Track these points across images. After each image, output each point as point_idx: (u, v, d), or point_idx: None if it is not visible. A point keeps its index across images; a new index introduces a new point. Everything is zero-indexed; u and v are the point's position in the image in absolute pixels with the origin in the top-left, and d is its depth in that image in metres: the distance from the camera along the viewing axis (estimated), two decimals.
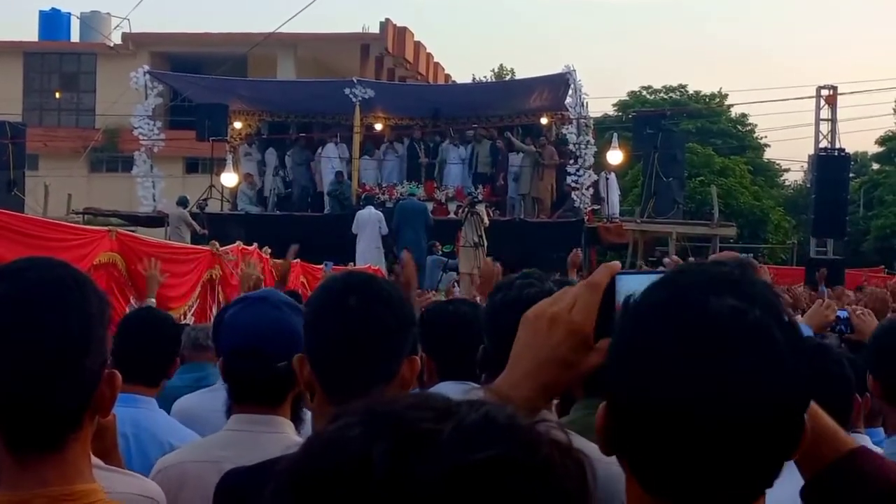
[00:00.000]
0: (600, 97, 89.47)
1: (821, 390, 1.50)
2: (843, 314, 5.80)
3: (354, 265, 18.43)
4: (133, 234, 10.12)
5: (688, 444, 1.31)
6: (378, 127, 28.09)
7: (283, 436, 2.83)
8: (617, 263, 1.67)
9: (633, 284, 1.52)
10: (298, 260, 16.55)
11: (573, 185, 25.03)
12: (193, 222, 22.79)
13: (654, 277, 1.44)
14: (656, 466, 1.35)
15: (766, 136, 52.98)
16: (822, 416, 1.72)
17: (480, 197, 24.15)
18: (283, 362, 2.53)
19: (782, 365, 1.32)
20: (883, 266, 33.68)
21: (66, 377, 1.75)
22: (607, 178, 26.55)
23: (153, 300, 7.34)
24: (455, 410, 1.01)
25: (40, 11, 46.32)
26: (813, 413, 1.40)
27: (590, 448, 2.70)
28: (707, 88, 57.20)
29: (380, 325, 2.34)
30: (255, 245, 12.84)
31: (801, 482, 1.70)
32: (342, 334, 2.33)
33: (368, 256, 20.98)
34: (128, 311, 6.92)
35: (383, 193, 26.09)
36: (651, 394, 1.32)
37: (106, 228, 8.94)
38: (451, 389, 3.28)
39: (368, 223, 22.26)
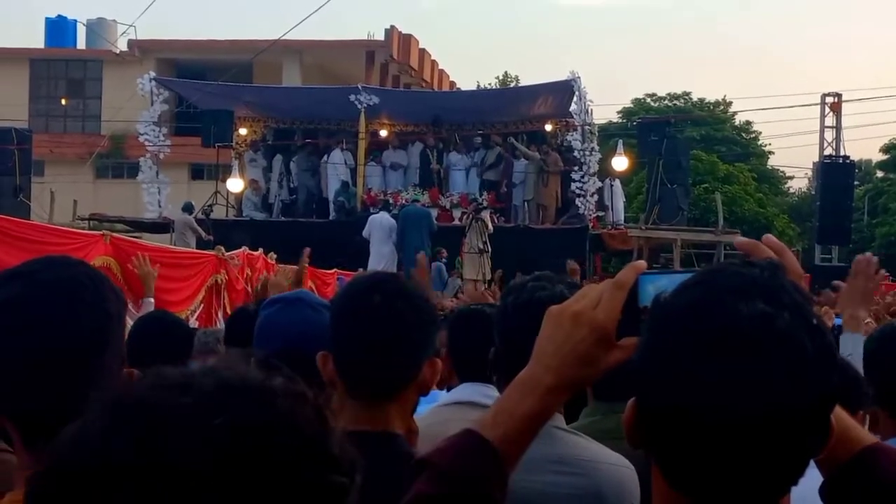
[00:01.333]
0: (605, 104, 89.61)
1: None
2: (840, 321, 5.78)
3: (365, 271, 18.38)
4: (127, 237, 10.13)
5: (714, 445, 1.33)
6: (383, 133, 28.08)
7: None
8: (643, 263, 1.68)
9: (660, 284, 1.54)
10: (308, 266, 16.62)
11: (578, 191, 25.01)
12: (199, 228, 22.81)
13: (681, 277, 1.45)
14: (682, 465, 1.38)
15: (770, 144, 53.00)
16: (840, 414, 1.73)
17: (485, 203, 24.16)
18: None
19: (810, 370, 1.33)
20: (888, 274, 33.61)
21: (84, 377, 1.77)
22: (612, 185, 26.55)
23: (151, 299, 7.33)
24: (191, 382, 1.05)
25: (46, 18, 46.46)
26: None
27: (602, 452, 2.73)
28: (711, 96, 57.13)
29: (402, 324, 2.37)
30: (261, 250, 12.87)
31: (820, 478, 1.71)
32: (365, 331, 2.36)
33: (381, 261, 20.93)
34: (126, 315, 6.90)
35: (388, 199, 26.08)
36: (679, 395, 1.34)
37: (100, 232, 8.94)
38: (470, 391, 3.29)
39: (381, 228, 22.22)
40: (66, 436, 1.03)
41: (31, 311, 1.77)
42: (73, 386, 1.76)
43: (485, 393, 3.22)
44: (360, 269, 18.47)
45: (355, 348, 2.38)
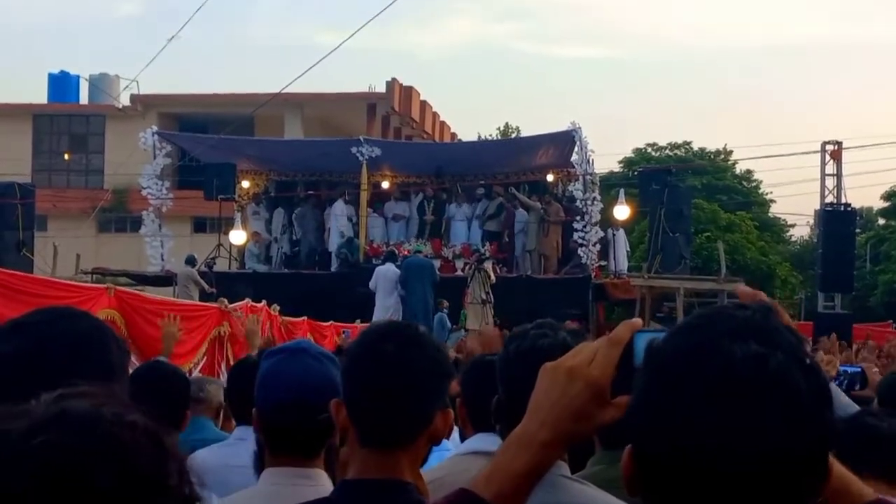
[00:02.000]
0: (606, 154, 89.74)
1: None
2: (853, 369, 5.75)
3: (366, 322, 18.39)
4: (131, 290, 10.13)
5: (711, 491, 1.32)
6: (385, 185, 28.16)
7: (323, 488, 2.83)
8: (638, 321, 1.68)
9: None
10: (306, 318, 16.65)
11: (580, 241, 25.04)
12: (202, 281, 22.82)
13: None
14: None
15: (771, 192, 53.11)
16: (841, 468, 1.70)
17: (487, 254, 24.18)
18: (325, 414, 2.55)
19: (805, 411, 1.33)
20: (891, 321, 33.57)
21: None
22: (614, 234, 26.57)
23: (165, 358, 7.29)
24: (31, 409, 1.13)
25: (49, 74, 46.77)
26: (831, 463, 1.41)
27: (607, 500, 2.71)
28: (712, 145, 57.32)
29: (415, 373, 2.37)
30: (264, 302, 12.87)
31: None
32: (377, 379, 2.36)
33: (386, 313, 20.92)
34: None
35: (393, 249, 26.09)
36: (676, 441, 1.33)
37: (104, 286, 8.94)
38: (488, 441, 3.28)
39: (387, 280, 22.23)
40: None
41: (33, 364, 1.76)
42: None
43: (495, 442, 3.20)
44: (358, 321, 18.48)
45: (367, 396, 2.38)
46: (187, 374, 8.64)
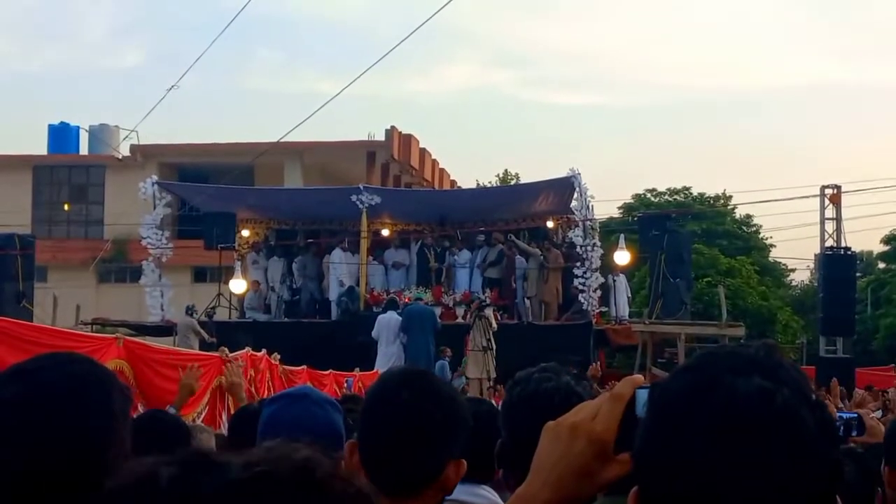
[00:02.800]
0: (605, 200, 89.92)
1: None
2: (849, 415, 5.71)
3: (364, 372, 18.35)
4: (139, 341, 10.10)
5: None
6: (385, 233, 28.20)
7: None
8: (640, 377, 1.67)
9: None
10: (306, 367, 16.59)
11: (580, 287, 25.04)
12: (202, 330, 22.81)
13: None
14: None
15: (771, 237, 53.15)
16: None
17: (488, 301, 24.17)
18: None
19: (812, 448, 1.31)
20: (893, 365, 33.50)
21: (86, 474, 1.75)
22: (615, 280, 26.57)
23: (175, 409, 7.19)
24: (254, 453, 1.14)
25: (49, 125, 46.93)
26: None
27: None
28: (711, 190, 57.40)
29: (428, 422, 2.36)
30: (264, 351, 12.83)
31: None
32: (391, 426, 2.36)
33: (388, 361, 20.85)
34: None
35: (395, 297, 26.07)
36: (682, 481, 1.31)
37: (113, 336, 8.90)
38: (466, 491, 3.25)
39: (389, 328, 22.19)
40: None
41: (33, 411, 1.75)
42: (76, 485, 1.74)
43: (474, 492, 3.19)
44: (358, 369, 18.41)
45: (380, 442, 2.38)
46: (211, 429, 8.61)
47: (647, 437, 1.39)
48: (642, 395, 1.57)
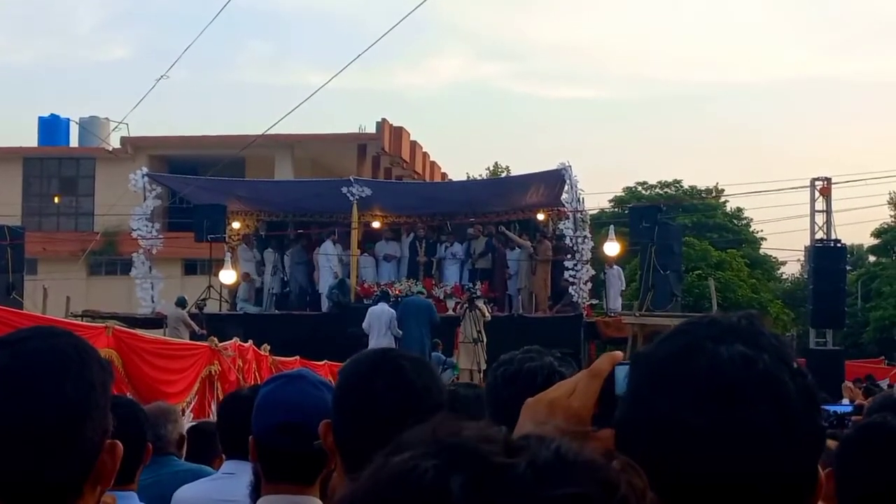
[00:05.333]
0: (596, 193, 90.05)
1: None
2: (844, 408, 5.64)
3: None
4: (128, 330, 10.10)
5: (702, 495, 1.30)
6: (376, 225, 28.19)
7: None
8: (619, 353, 1.65)
9: None
10: (298, 357, 16.60)
11: (571, 279, 25.06)
12: (192, 322, 22.78)
13: None
14: None
15: (762, 230, 53.32)
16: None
17: (479, 293, 24.17)
18: (320, 441, 2.53)
19: (794, 411, 1.32)
20: (883, 357, 33.64)
21: (65, 447, 1.74)
22: (605, 273, 26.60)
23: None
24: (524, 445, 1.00)
25: (39, 117, 46.78)
26: None
27: None
28: (702, 183, 57.53)
29: (400, 412, 2.35)
30: (251, 342, 12.86)
31: None
32: (363, 415, 2.36)
33: None
34: None
35: (386, 289, 26.06)
36: (664, 445, 1.32)
37: (103, 325, 8.90)
38: None
39: (380, 320, 22.16)
40: (390, 469, 1.00)
41: (13, 381, 1.75)
42: (52, 456, 1.73)
43: None
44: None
45: (352, 428, 2.37)
46: (180, 413, 8.64)
47: (630, 402, 1.40)
48: (621, 372, 1.56)
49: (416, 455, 0.99)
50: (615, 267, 27.08)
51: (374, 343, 21.74)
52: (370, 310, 22.67)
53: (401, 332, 21.99)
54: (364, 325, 22.13)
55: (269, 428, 2.93)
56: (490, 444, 0.99)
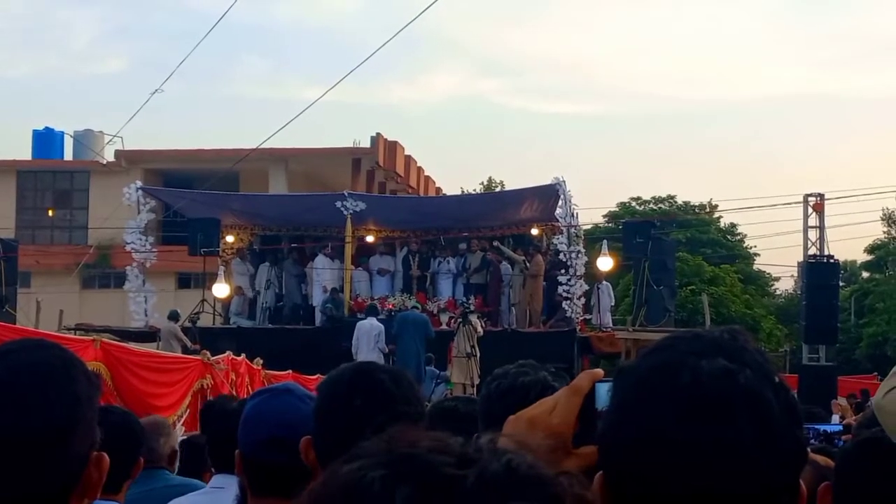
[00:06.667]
0: (590, 208, 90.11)
1: None
2: (833, 428, 5.63)
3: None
4: (117, 343, 10.08)
5: None
6: (370, 239, 28.18)
7: None
8: (600, 371, 1.66)
9: None
10: (291, 371, 16.59)
11: (565, 294, 25.05)
12: (184, 337, 22.72)
13: None
14: None
15: (755, 246, 53.39)
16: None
17: (472, 307, 24.17)
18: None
19: (776, 425, 1.32)
20: (876, 373, 33.62)
21: (51, 459, 1.74)
22: (598, 287, 26.60)
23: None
24: (476, 457, 0.99)
25: (34, 131, 46.70)
26: None
27: None
28: (696, 198, 57.64)
29: (382, 425, 2.35)
30: (243, 356, 12.84)
31: None
32: (342, 432, 2.35)
33: None
34: None
35: (376, 303, 26.04)
36: (647, 458, 1.32)
37: (90, 338, 8.88)
38: None
39: (368, 334, 22.13)
40: (341, 477, 1.00)
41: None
42: (38, 468, 1.73)
43: None
44: None
45: (332, 444, 2.36)
46: (171, 427, 8.62)
47: (613, 415, 1.40)
48: (602, 388, 1.56)
49: (366, 465, 0.99)
50: (605, 283, 27.08)
51: (362, 357, 21.71)
52: (358, 324, 22.67)
53: (387, 348, 21.99)
54: (353, 339, 22.09)
55: (254, 442, 2.93)
56: (443, 454, 0.98)
